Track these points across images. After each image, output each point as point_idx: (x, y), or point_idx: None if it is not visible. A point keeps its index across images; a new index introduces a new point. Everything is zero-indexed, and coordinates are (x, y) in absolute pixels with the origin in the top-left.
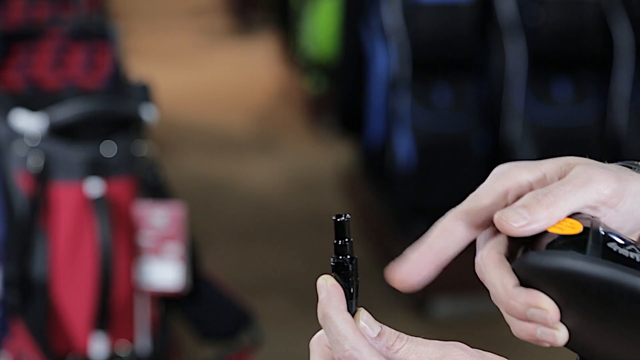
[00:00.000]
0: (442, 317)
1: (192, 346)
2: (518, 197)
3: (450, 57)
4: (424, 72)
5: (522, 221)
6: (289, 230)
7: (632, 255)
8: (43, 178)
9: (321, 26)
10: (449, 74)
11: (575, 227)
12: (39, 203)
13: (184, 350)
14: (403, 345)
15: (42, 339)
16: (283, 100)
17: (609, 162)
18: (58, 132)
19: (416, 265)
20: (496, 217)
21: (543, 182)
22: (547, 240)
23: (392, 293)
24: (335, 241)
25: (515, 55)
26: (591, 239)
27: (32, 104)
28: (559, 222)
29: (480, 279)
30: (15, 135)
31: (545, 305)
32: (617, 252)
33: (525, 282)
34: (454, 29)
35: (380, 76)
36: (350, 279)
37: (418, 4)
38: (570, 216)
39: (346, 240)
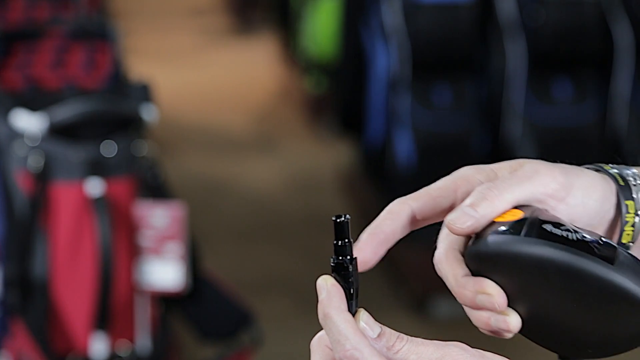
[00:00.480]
0: (442, 317)
1: (192, 346)
2: (467, 194)
3: (450, 57)
4: (424, 72)
5: (470, 221)
6: (289, 230)
7: (565, 234)
8: (43, 178)
9: (321, 26)
10: (449, 73)
11: (516, 215)
12: (39, 203)
13: (184, 350)
14: (403, 345)
15: (42, 338)
16: (283, 100)
17: (609, 162)
18: (58, 131)
19: (368, 245)
20: (446, 221)
21: (493, 180)
22: (491, 228)
23: (393, 293)
24: (335, 242)
25: (515, 55)
26: (528, 223)
27: (32, 104)
28: (503, 213)
29: (440, 277)
30: (15, 135)
31: (490, 290)
32: (550, 232)
33: (475, 272)
34: (454, 29)
35: (380, 76)
36: (350, 280)
37: (418, 4)
38: (516, 207)
39: (346, 240)
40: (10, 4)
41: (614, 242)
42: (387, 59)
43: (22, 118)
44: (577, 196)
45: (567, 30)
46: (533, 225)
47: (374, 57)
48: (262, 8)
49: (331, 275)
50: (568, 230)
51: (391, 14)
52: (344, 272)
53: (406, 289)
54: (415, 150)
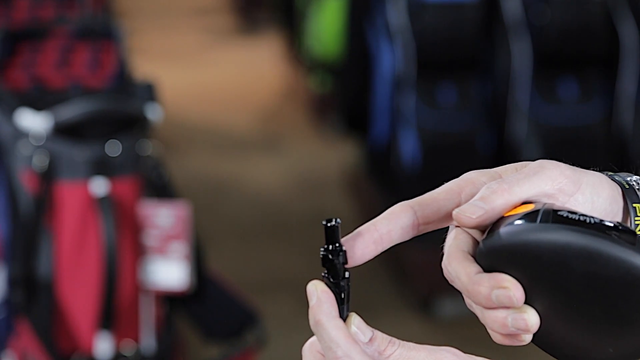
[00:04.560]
0: (446, 316)
1: (197, 345)
2: (472, 196)
3: (456, 56)
4: (429, 71)
5: (479, 211)
6: (294, 229)
7: (582, 218)
8: (48, 177)
9: (326, 25)
10: (454, 73)
11: (528, 208)
12: (44, 202)
13: (189, 349)
14: (395, 350)
15: (47, 338)
16: (288, 100)
17: (616, 164)
18: (63, 131)
19: (360, 241)
20: (454, 213)
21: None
22: (502, 223)
23: (396, 292)
24: (325, 246)
25: (520, 54)
26: (542, 212)
27: (37, 103)
28: (514, 208)
29: (449, 280)
30: (20, 134)
31: (507, 284)
32: (567, 217)
33: (488, 269)
34: (459, 28)
35: (385, 75)
36: (341, 284)
37: (423, 3)
38: (526, 202)
39: (337, 245)
40: (15, 4)
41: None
42: (392, 58)
43: (27, 117)
44: (586, 193)
45: (573, 30)
46: (547, 213)
47: (379, 57)
48: (267, 7)
49: (322, 280)
50: (584, 215)
51: (396, 13)
52: (335, 276)
53: (411, 289)
54: (420, 149)
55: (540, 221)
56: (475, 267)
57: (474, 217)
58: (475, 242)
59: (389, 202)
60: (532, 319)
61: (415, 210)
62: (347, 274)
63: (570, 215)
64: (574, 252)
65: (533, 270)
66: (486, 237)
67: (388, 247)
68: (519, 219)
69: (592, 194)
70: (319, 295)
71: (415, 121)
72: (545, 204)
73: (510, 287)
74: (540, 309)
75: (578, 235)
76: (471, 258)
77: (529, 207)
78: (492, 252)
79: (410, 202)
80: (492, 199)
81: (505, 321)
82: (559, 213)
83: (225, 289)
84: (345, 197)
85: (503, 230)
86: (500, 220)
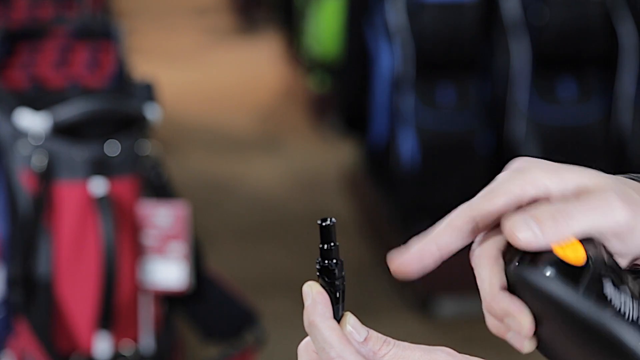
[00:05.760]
0: (445, 315)
1: (196, 345)
2: (533, 200)
3: (455, 56)
4: (428, 71)
5: (530, 236)
6: (293, 229)
7: (623, 307)
8: (47, 177)
9: (325, 25)
10: (453, 73)
11: (578, 255)
12: (43, 202)
13: (188, 349)
14: (390, 349)
15: (46, 338)
16: (287, 99)
17: (615, 164)
18: (62, 131)
19: (417, 256)
20: (504, 222)
21: (562, 190)
22: (547, 258)
23: (396, 292)
24: (320, 245)
25: (519, 54)
26: (589, 277)
27: (36, 103)
28: (565, 243)
29: (473, 267)
30: (19, 134)
31: (523, 321)
32: (609, 298)
33: (512, 287)
34: (458, 28)
35: (384, 75)
36: (336, 283)
37: (422, 3)
38: (579, 239)
39: (332, 244)
40: (14, 4)
41: None
42: (391, 58)
43: (26, 117)
44: (636, 237)
45: (572, 30)
46: (593, 281)
47: (378, 57)
48: (266, 7)
49: (317, 281)
50: (626, 292)
51: (395, 13)
52: (330, 276)
53: (410, 288)
54: (419, 149)
55: (583, 292)
56: (500, 280)
57: (522, 238)
58: (512, 244)
59: (388, 202)
60: (528, 348)
61: (477, 222)
62: (342, 274)
63: (613, 296)
64: (598, 338)
65: (555, 320)
66: (526, 265)
67: (446, 258)
68: (564, 272)
69: None
70: (314, 296)
71: (414, 121)
72: (596, 251)
73: (524, 325)
74: (544, 337)
75: (609, 327)
76: (501, 264)
77: (578, 253)
78: (526, 284)
79: (469, 209)
80: (547, 227)
81: (504, 333)
82: (605, 286)
83: (224, 288)
84: (344, 197)
85: (546, 275)
86: (548, 252)
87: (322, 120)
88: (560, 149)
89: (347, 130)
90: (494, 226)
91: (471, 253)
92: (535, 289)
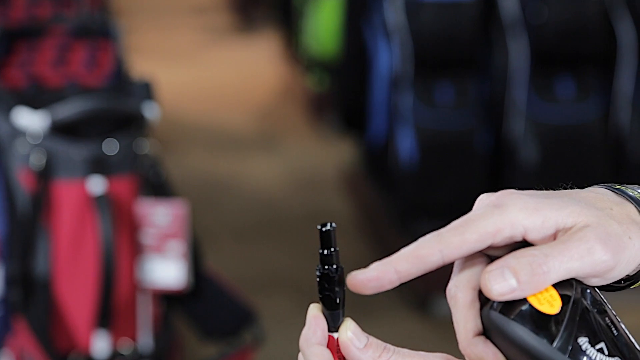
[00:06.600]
0: (445, 315)
1: (195, 344)
2: (508, 240)
3: (453, 54)
4: (426, 70)
5: (506, 288)
6: (291, 227)
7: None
8: (45, 176)
9: (324, 24)
10: (451, 71)
11: (554, 303)
12: (41, 201)
13: (186, 348)
14: (390, 356)
15: (44, 337)
16: (285, 98)
17: (613, 163)
18: (60, 130)
19: (375, 278)
20: (482, 277)
21: (540, 231)
22: (521, 306)
23: (395, 291)
24: (320, 251)
25: (518, 53)
26: (563, 329)
27: (35, 102)
28: (539, 291)
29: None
30: (17, 133)
31: None
32: (585, 351)
33: (487, 332)
34: (456, 27)
35: (382, 74)
36: (336, 289)
37: (420, 2)
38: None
39: (332, 249)
40: (12, 2)
41: None
42: (389, 57)
43: (24, 116)
44: (615, 272)
45: (570, 28)
46: (569, 333)
47: (376, 55)
48: (265, 6)
49: (317, 283)
50: (602, 351)
51: (393, 12)
52: (330, 282)
53: (409, 288)
54: (418, 148)
55: (558, 346)
56: (475, 326)
57: (497, 290)
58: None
59: (386, 201)
60: None
61: (443, 255)
62: (342, 279)
63: (588, 351)
64: None
65: None
66: (499, 314)
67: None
68: (539, 323)
69: (620, 272)
70: (309, 320)
71: (413, 119)
72: (571, 308)
73: None
74: None
75: None
76: (477, 307)
77: (554, 301)
78: (499, 332)
79: (439, 241)
80: (525, 280)
81: None
82: (579, 342)
83: (222, 287)
84: (343, 195)
85: (515, 326)
86: (521, 302)
87: (321, 119)
88: (558, 147)
89: (346, 129)
90: (467, 258)
91: (447, 291)
92: (509, 337)
